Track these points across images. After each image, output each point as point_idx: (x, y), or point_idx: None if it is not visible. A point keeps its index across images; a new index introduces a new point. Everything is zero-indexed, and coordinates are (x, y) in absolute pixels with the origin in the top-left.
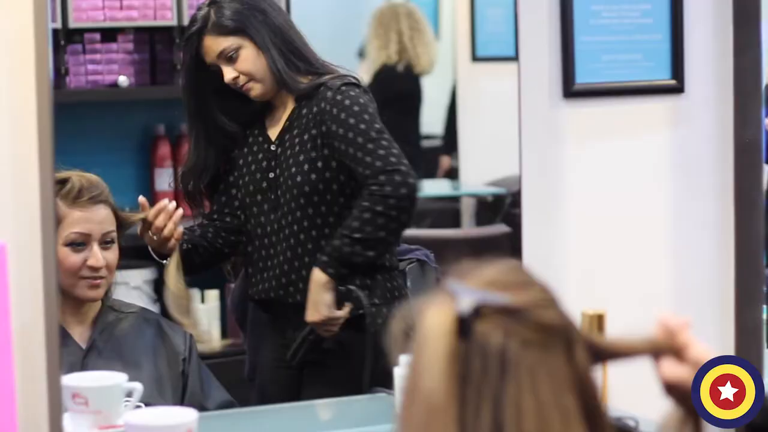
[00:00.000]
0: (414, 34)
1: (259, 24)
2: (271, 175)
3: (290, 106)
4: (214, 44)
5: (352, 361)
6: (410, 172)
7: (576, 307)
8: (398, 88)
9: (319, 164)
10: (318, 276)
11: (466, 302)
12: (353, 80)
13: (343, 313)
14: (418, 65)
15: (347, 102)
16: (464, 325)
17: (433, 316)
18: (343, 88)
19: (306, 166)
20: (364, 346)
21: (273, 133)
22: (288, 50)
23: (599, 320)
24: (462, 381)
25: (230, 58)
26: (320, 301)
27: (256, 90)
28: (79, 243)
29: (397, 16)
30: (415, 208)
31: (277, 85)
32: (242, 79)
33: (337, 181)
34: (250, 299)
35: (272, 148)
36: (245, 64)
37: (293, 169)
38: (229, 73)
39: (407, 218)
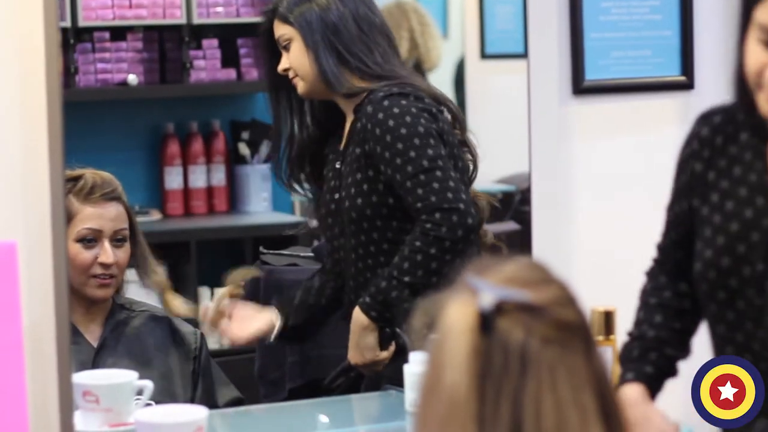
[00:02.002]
0: (424, 29)
1: (314, 19)
2: (337, 195)
3: (351, 117)
4: (276, 28)
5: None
6: (469, 211)
7: (586, 304)
8: None
9: (365, 187)
10: (360, 319)
11: (487, 298)
12: (404, 89)
13: (388, 354)
14: (428, 61)
15: (391, 122)
16: (486, 322)
17: (455, 312)
18: (386, 102)
19: (353, 189)
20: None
21: (341, 145)
22: (345, 50)
23: (609, 317)
24: (482, 377)
25: (284, 46)
26: (363, 345)
27: (300, 86)
28: (90, 239)
29: (407, 13)
30: (472, 249)
31: (324, 86)
32: (291, 72)
33: (386, 205)
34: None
35: (337, 165)
36: (293, 57)
37: (344, 192)
38: (283, 63)
39: (462, 262)
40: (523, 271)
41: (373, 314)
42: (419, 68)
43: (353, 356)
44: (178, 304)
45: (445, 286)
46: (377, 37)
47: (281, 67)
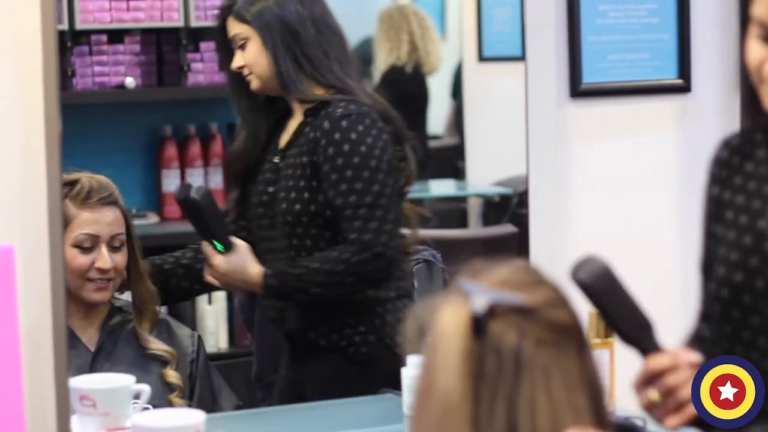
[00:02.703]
0: (424, 32)
1: (272, 20)
2: (271, 189)
3: (299, 117)
4: (231, 26)
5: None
6: (394, 256)
7: (583, 306)
8: (406, 88)
9: (305, 195)
10: (256, 280)
11: (479, 302)
12: (361, 108)
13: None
14: (428, 64)
15: (345, 147)
16: (478, 325)
17: (448, 316)
18: (344, 123)
19: (294, 193)
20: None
21: (282, 143)
22: (301, 54)
23: None
24: (476, 380)
25: (240, 46)
26: (231, 280)
27: (255, 84)
28: (88, 244)
29: (407, 17)
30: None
31: (279, 85)
32: (246, 69)
33: (323, 216)
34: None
35: (275, 160)
36: (249, 55)
37: (282, 194)
38: (237, 60)
39: (372, 287)
40: (515, 274)
41: (271, 281)
42: (418, 71)
43: (213, 274)
44: (146, 334)
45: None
46: (333, 38)
47: (235, 64)
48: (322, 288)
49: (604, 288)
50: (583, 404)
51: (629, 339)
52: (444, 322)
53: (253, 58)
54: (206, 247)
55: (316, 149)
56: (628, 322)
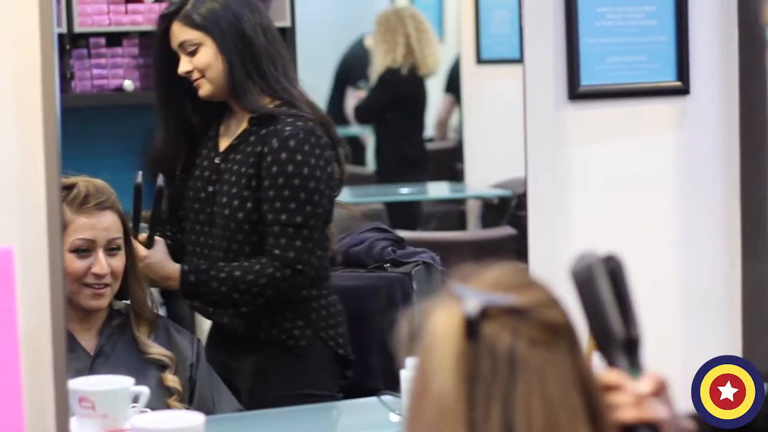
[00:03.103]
0: (421, 35)
1: (228, 27)
2: (210, 189)
3: (244, 123)
4: (179, 32)
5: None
6: (312, 274)
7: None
8: (402, 90)
9: (249, 205)
10: (174, 275)
11: (472, 304)
12: (307, 124)
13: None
14: (424, 66)
15: (290, 168)
16: (472, 327)
17: (441, 319)
18: (292, 143)
19: (236, 202)
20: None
21: (223, 144)
22: (252, 62)
23: None
24: (471, 382)
25: (189, 51)
26: (151, 272)
27: (205, 88)
28: (84, 249)
29: (403, 20)
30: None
31: (230, 93)
32: (195, 74)
33: (263, 224)
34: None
35: (216, 161)
36: (201, 61)
37: (224, 199)
38: (184, 65)
39: (286, 299)
40: (506, 275)
41: (191, 278)
42: (415, 74)
43: (142, 264)
44: (144, 338)
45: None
46: (280, 48)
47: (183, 69)
48: (240, 295)
49: (580, 286)
50: (577, 404)
51: (596, 345)
52: (437, 325)
53: (206, 62)
54: (136, 239)
55: (261, 163)
56: (596, 327)
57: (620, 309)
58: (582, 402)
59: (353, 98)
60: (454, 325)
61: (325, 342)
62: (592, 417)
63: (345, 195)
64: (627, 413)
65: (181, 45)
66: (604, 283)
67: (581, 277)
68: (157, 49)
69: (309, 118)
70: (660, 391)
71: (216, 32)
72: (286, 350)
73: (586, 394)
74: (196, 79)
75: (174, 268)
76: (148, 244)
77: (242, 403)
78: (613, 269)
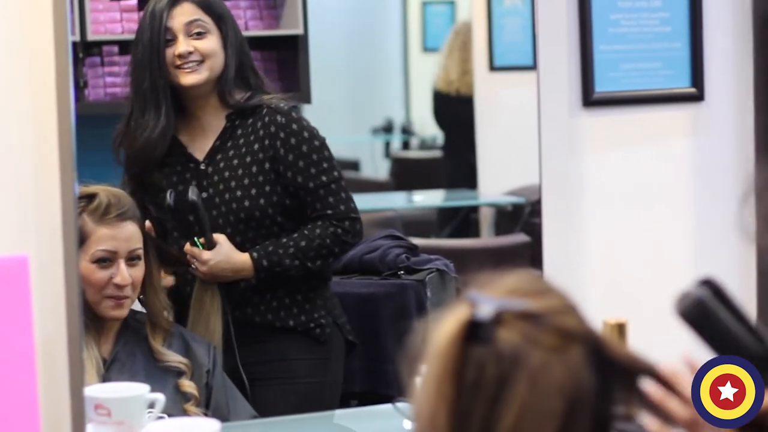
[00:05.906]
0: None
1: (234, 29)
2: (204, 195)
3: (220, 123)
4: (191, 11)
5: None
6: (361, 219)
7: (597, 316)
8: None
9: (267, 188)
10: (246, 264)
11: (486, 309)
12: (288, 102)
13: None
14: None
15: (305, 134)
16: (481, 331)
17: (445, 324)
18: (294, 114)
19: (253, 191)
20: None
21: (199, 150)
22: (239, 63)
23: (620, 329)
24: (470, 387)
25: (196, 33)
26: (218, 271)
27: (199, 75)
28: (106, 260)
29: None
30: None
31: (218, 86)
32: (194, 57)
33: (283, 204)
34: None
35: (201, 167)
36: (208, 46)
37: (238, 193)
38: (184, 45)
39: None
40: (523, 283)
41: (264, 263)
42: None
43: (203, 269)
44: (159, 346)
45: None
46: (252, 63)
47: (183, 49)
48: (313, 262)
49: (698, 323)
50: (557, 411)
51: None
52: (441, 330)
53: (212, 49)
54: (190, 247)
55: (273, 145)
56: (729, 352)
57: (746, 328)
58: (563, 410)
59: None
60: (456, 329)
61: (340, 329)
62: (564, 427)
63: (360, 202)
64: None
65: (189, 24)
66: (722, 311)
67: (695, 314)
68: (157, 26)
69: (280, 96)
70: None
71: (226, 25)
72: (313, 338)
73: (574, 403)
74: (192, 63)
75: (243, 258)
76: (209, 245)
77: (262, 396)
78: (718, 292)
